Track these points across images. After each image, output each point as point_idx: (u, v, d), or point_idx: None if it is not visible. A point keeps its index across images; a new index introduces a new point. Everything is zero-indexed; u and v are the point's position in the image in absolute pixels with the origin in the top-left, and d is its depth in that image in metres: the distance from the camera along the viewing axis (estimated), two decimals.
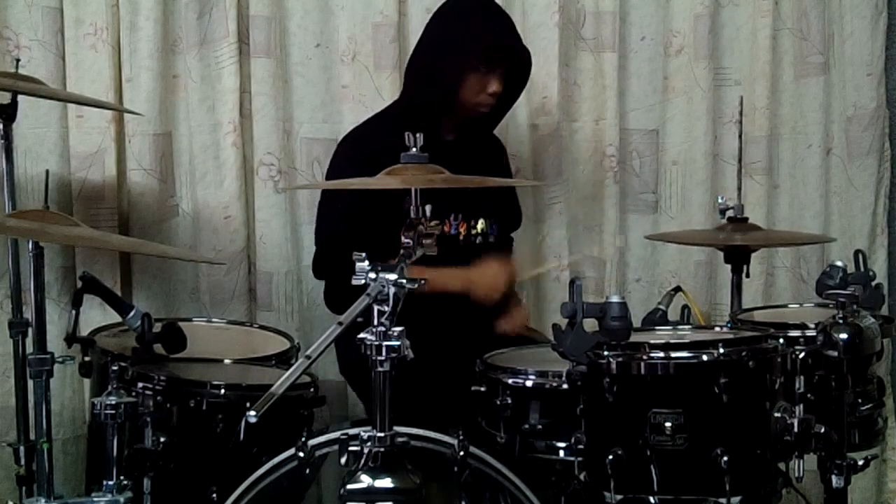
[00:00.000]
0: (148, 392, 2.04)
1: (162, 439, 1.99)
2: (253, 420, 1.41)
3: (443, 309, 2.38)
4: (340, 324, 1.54)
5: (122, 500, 1.88)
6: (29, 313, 2.27)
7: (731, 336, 2.07)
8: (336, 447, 1.68)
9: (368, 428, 1.62)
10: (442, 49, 2.55)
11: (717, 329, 2.30)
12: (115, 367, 1.92)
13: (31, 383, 2.18)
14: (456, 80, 2.52)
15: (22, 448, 2.35)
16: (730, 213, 2.53)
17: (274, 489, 1.89)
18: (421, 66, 2.61)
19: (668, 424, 1.80)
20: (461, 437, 1.89)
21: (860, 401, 2.05)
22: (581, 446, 1.90)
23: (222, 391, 2.05)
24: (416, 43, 2.68)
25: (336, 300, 2.54)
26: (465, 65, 2.51)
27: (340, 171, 2.57)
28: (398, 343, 1.56)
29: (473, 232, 2.63)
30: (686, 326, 2.30)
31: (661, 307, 2.47)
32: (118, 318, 2.30)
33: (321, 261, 2.60)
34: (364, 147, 2.56)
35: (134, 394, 1.99)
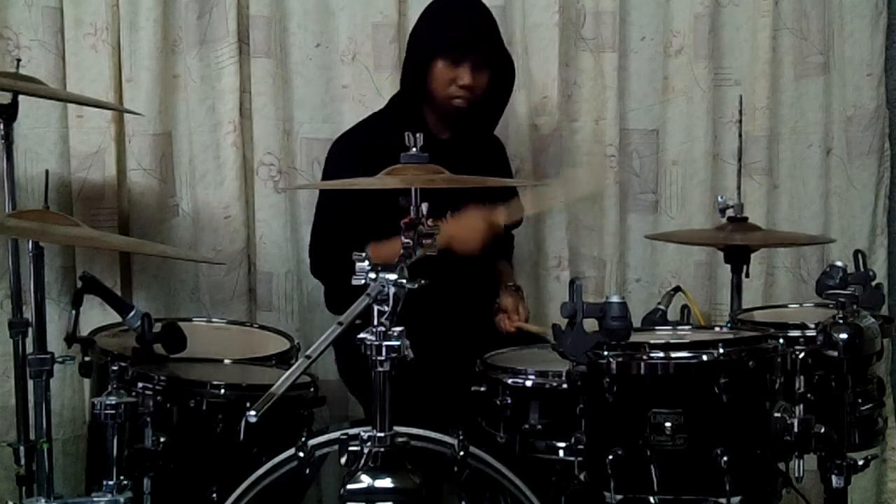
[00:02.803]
0: (148, 392, 2.04)
1: (162, 439, 1.99)
2: (253, 420, 1.42)
3: (443, 309, 2.38)
4: (340, 324, 1.55)
5: (122, 500, 1.88)
6: (29, 313, 2.27)
7: (731, 336, 2.07)
8: (336, 447, 1.68)
9: (368, 428, 1.62)
10: (415, 42, 2.61)
11: (717, 329, 2.30)
12: (115, 367, 1.92)
13: (31, 383, 2.19)
14: (423, 67, 2.54)
15: (22, 448, 2.34)
16: (730, 213, 2.54)
17: (274, 489, 1.89)
18: (404, 64, 2.66)
19: (668, 424, 1.80)
20: (461, 437, 1.89)
21: (860, 401, 2.04)
22: (581, 446, 1.90)
23: (222, 391, 2.05)
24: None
25: (334, 301, 2.55)
26: (431, 52, 2.53)
27: (332, 171, 2.60)
28: (398, 343, 1.56)
29: None
30: (686, 326, 2.30)
31: (661, 307, 2.47)
32: (118, 318, 2.29)
33: (312, 258, 2.63)
34: (354, 147, 2.59)
35: (134, 394, 1.99)
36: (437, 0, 2.64)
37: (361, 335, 1.58)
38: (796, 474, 1.91)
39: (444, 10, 2.61)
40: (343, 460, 1.63)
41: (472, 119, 2.66)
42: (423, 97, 2.59)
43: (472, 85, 2.55)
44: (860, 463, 1.98)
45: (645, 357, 1.85)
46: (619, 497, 1.82)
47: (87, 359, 2.27)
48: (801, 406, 1.93)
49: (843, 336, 1.88)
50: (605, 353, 1.85)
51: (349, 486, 1.58)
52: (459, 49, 2.53)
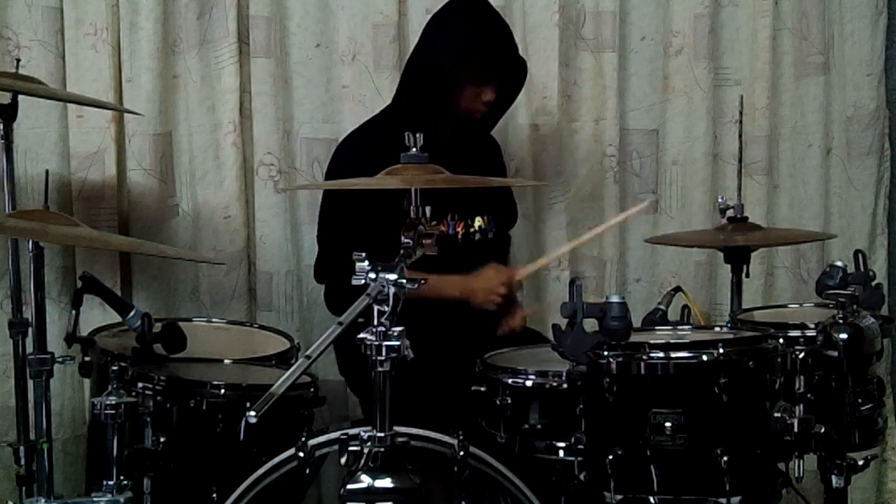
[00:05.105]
0: (148, 392, 2.04)
1: (162, 439, 1.99)
2: (253, 420, 1.41)
3: (443, 309, 2.39)
4: (340, 324, 1.55)
5: (122, 500, 1.88)
6: (29, 313, 2.27)
7: (731, 336, 2.07)
8: (336, 447, 1.68)
9: (368, 428, 1.62)
10: (437, 57, 2.56)
11: (717, 329, 2.30)
12: (115, 367, 1.92)
13: (31, 383, 2.19)
14: (451, 89, 2.54)
15: (22, 448, 2.34)
16: (730, 213, 2.54)
17: (274, 489, 1.89)
18: (417, 70, 2.62)
19: (668, 424, 1.80)
20: (461, 437, 1.89)
21: (860, 401, 2.04)
22: (581, 446, 1.91)
23: (222, 391, 2.05)
24: (414, 46, 2.69)
25: (336, 301, 2.55)
26: (460, 75, 2.52)
27: (339, 173, 2.58)
28: (398, 343, 1.56)
29: (472, 230, 2.64)
30: (686, 326, 2.30)
31: (661, 307, 2.47)
32: (118, 318, 2.30)
33: (323, 263, 2.61)
34: (361, 149, 2.58)
35: (134, 394, 1.99)
36: (451, 11, 2.61)
37: (361, 335, 1.58)
38: (796, 474, 1.92)
39: (463, 26, 2.57)
40: (343, 460, 1.63)
41: (480, 122, 2.67)
42: (442, 111, 2.58)
43: (493, 99, 2.58)
44: (860, 463, 1.99)
45: (645, 357, 1.85)
46: (619, 497, 1.82)
47: (87, 359, 2.27)
48: (801, 406, 1.93)
49: (843, 336, 1.89)
50: (605, 353, 1.85)
51: (349, 486, 1.58)
52: (488, 72, 2.54)
